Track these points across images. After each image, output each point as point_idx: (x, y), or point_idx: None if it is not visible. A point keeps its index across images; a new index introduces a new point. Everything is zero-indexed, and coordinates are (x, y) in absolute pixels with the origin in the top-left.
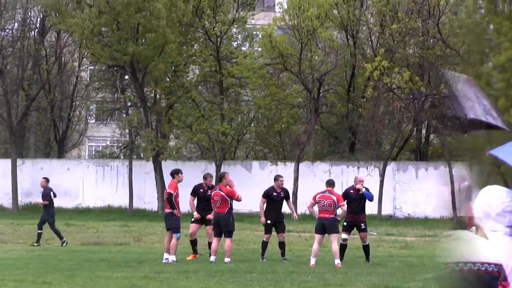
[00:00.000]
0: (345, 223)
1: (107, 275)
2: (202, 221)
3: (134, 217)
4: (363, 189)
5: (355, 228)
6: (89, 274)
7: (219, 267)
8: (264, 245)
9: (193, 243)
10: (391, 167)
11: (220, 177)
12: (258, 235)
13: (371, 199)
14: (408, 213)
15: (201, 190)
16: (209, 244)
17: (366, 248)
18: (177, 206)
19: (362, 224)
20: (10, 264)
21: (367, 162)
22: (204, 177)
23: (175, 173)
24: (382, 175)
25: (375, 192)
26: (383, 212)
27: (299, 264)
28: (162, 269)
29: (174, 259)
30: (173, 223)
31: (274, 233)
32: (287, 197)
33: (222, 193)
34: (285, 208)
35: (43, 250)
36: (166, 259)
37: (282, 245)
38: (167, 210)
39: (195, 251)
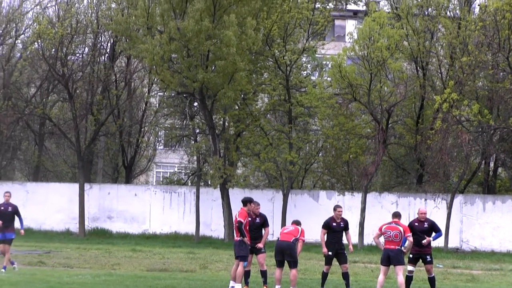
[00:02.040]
0: (410, 255)
1: None
2: (252, 250)
3: (200, 244)
4: (431, 239)
5: (420, 261)
6: None
7: None
8: (324, 276)
9: (246, 274)
10: (458, 199)
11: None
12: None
13: (439, 237)
14: (475, 246)
15: (249, 219)
16: (261, 272)
17: (431, 281)
18: (247, 235)
19: (428, 256)
20: None
21: (435, 194)
22: (250, 202)
23: (247, 201)
24: (450, 207)
25: (442, 224)
26: (450, 245)
27: None
28: None
29: (240, 287)
30: (241, 251)
31: (336, 263)
32: (346, 228)
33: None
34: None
35: (108, 275)
36: (232, 287)
37: (346, 275)
38: (237, 238)
39: (247, 283)
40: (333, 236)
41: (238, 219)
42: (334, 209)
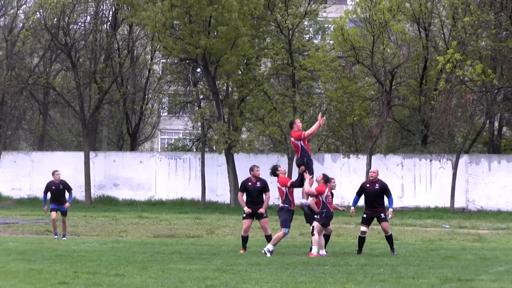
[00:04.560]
0: (364, 215)
1: (179, 267)
2: (253, 215)
3: (206, 209)
4: (390, 216)
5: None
6: (162, 267)
7: (292, 259)
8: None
9: (244, 239)
10: (463, 160)
11: None
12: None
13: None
14: (481, 206)
15: (249, 184)
16: (266, 237)
17: (389, 239)
18: (292, 200)
19: (382, 214)
20: (83, 257)
21: (440, 155)
22: (251, 169)
23: (275, 168)
24: (455, 168)
25: (447, 185)
26: (456, 205)
27: (371, 256)
28: (234, 261)
29: (271, 248)
30: (284, 216)
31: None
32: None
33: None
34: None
35: (115, 242)
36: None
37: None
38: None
39: (244, 248)
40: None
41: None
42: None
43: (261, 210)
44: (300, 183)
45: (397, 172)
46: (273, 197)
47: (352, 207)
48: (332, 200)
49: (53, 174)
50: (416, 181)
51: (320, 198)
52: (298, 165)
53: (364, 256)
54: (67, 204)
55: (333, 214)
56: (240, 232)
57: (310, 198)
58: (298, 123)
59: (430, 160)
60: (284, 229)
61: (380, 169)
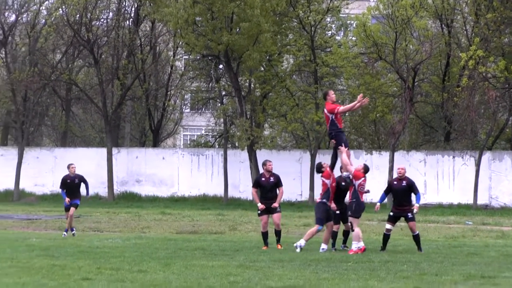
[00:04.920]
0: (391, 213)
1: (202, 263)
2: (268, 210)
3: (228, 206)
4: (415, 210)
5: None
6: (185, 263)
7: (315, 256)
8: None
9: (265, 235)
10: (486, 156)
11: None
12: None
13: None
14: (504, 203)
15: (263, 179)
16: (276, 232)
17: (416, 238)
18: (331, 197)
19: (409, 214)
20: (106, 253)
21: (463, 152)
22: (264, 164)
23: (320, 166)
24: (478, 164)
25: (470, 181)
26: (479, 202)
27: (394, 253)
28: (257, 257)
29: (303, 244)
30: (320, 213)
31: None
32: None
33: None
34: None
35: (138, 238)
36: (323, 249)
37: (346, 233)
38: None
39: (266, 243)
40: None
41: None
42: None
43: (275, 204)
44: (333, 160)
45: (420, 168)
46: (288, 192)
47: (378, 203)
48: (364, 190)
49: (68, 167)
50: (439, 177)
51: (354, 184)
52: (329, 138)
53: (387, 253)
54: (87, 197)
55: (364, 205)
56: (261, 229)
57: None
58: (331, 94)
59: (453, 157)
60: (318, 226)
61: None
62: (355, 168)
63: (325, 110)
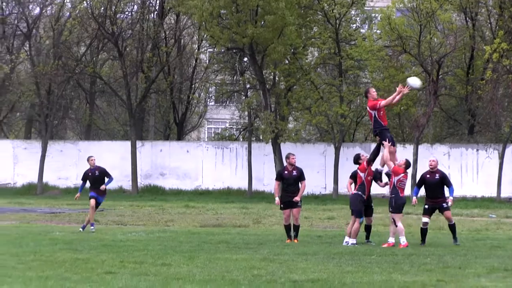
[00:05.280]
0: (426, 206)
1: (226, 256)
2: (290, 204)
3: (253, 199)
4: (450, 203)
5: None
6: (209, 256)
7: (339, 249)
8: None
9: (287, 228)
10: (510, 149)
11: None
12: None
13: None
14: None
15: (286, 173)
16: (294, 226)
17: (452, 228)
18: (366, 190)
19: (444, 204)
20: (130, 246)
21: (486, 145)
22: (287, 157)
23: (358, 158)
24: (502, 157)
25: (494, 174)
26: (503, 195)
27: (418, 246)
28: (281, 251)
29: (354, 242)
30: (357, 205)
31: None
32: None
33: None
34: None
35: (162, 232)
36: (347, 242)
37: (368, 228)
38: (353, 192)
39: (289, 236)
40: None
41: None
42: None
43: (296, 198)
44: (375, 154)
45: (444, 161)
46: (312, 185)
47: (414, 197)
48: (404, 186)
49: (88, 160)
50: (463, 170)
51: (392, 179)
52: (374, 135)
53: (410, 246)
54: (102, 186)
55: (404, 200)
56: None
57: (386, 167)
58: (372, 92)
59: (477, 150)
60: (359, 219)
61: (427, 158)
62: (397, 163)
63: (368, 108)
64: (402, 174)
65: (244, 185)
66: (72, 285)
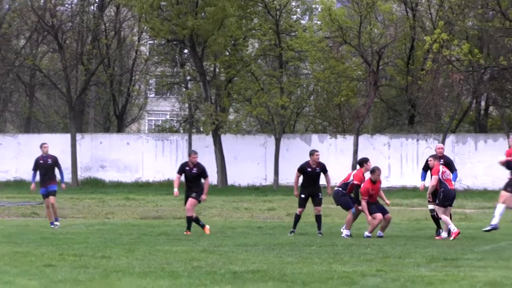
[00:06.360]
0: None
1: (166, 248)
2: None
3: None
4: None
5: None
6: (148, 248)
7: (279, 240)
8: (296, 218)
9: (190, 220)
10: (450, 139)
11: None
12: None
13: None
14: (467, 185)
15: (187, 168)
16: (187, 218)
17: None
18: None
19: None
20: (69, 239)
21: (427, 135)
22: (189, 155)
23: (363, 161)
24: None
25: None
26: None
27: (358, 237)
28: (221, 242)
29: (348, 233)
30: (341, 199)
31: (318, 205)
32: (324, 171)
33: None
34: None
35: (102, 224)
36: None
37: (318, 218)
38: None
39: (188, 228)
40: (307, 180)
41: (355, 182)
42: (311, 154)
43: (203, 197)
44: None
45: (384, 152)
46: (253, 176)
47: (422, 182)
48: (450, 176)
49: (41, 147)
50: (403, 161)
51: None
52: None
53: (351, 237)
54: (63, 186)
55: (454, 193)
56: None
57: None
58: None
59: (417, 140)
60: (351, 210)
61: (367, 149)
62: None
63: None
64: (441, 166)
65: None
66: (11, 278)
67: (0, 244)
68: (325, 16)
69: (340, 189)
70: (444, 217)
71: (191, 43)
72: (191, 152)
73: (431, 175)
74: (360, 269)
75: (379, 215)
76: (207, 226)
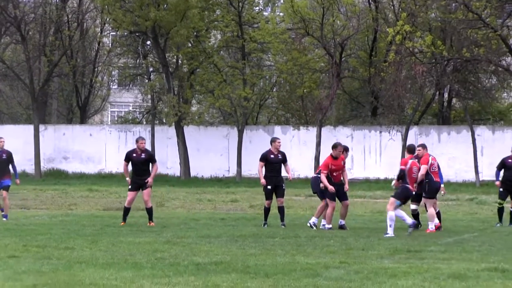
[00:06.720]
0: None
1: (129, 240)
2: (139, 187)
3: (156, 182)
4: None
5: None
6: (112, 239)
7: (242, 231)
8: (266, 211)
9: (126, 211)
10: (413, 131)
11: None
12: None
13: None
14: None
15: (134, 155)
16: (147, 210)
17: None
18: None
19: None
20: (33, 230)
21: (390, 127)
22: (136, 141)
23: (333, 147)
24: (405, 139)
25: (397, 157)
26: None
27: (321, 229)
28: (184, 234)
29: (330, 226)
30: (319, 188)
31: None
32: (284, 160)
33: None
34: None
35: (65, 215)
36: (323, 225)
37: (281, 210)
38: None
39: (124, 219)
40: (271, 168)
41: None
42: (273, 141)
43: (149, 180)
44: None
45: (347, 144)
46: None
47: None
48: (437, 169)
49: None
50: (366, 152)
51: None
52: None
53: (314, 229)
54: (17, 181)
55: (438, 185)
56: (189, 206)
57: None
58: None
59: (380, 132)
60: (329, 201)
61: (330, 141)
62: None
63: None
64: (430, 158)
65: None
66: None
67: None
68: (288, 8)
69: (319, 176)
70: (431, 211)
71: (153, 34)
72: (139, 138)
73: (420, 164)
74: (323, 261)
75: (333, 204)
76: (153, 223)
